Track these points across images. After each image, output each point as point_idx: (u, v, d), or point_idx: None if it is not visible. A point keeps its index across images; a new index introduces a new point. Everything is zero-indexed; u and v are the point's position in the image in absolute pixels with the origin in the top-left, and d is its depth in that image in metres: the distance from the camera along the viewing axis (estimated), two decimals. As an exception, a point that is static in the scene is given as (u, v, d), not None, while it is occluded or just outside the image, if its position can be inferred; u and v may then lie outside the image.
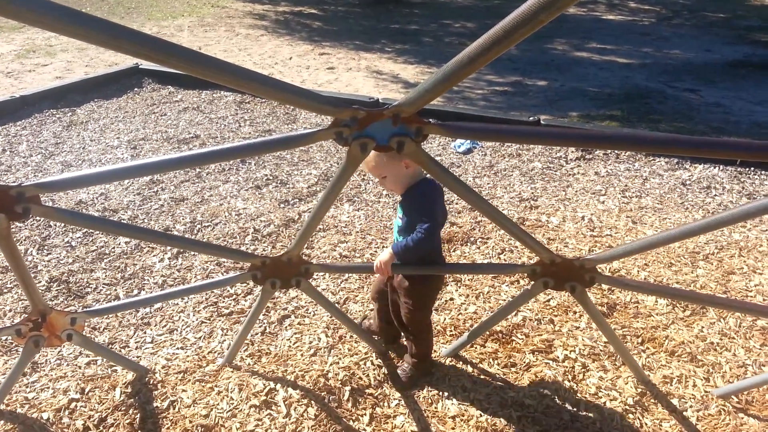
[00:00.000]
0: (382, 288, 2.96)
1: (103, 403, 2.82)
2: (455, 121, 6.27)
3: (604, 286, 3.64)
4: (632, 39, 11.77)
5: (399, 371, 2.99)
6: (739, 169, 5.37)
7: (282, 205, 4.75)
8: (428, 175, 2.51)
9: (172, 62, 1.46)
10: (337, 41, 11.42)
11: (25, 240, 4.18)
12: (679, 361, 3.10)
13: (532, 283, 2.57)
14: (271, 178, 5.21)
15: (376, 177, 2.58)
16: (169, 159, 2.04)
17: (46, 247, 4.13)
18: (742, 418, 2.75)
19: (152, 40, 1.46)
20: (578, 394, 2.87)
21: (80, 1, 15.13)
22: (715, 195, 4.97)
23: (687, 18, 14.00)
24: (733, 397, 2.85)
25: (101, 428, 2.69)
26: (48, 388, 2.93)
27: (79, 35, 1.42)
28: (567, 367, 3.04)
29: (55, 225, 4.38)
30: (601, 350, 3.15)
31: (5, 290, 3.69)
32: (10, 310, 3.51)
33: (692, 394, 2.88)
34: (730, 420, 2.73)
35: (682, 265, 3.93)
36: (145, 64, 8.24)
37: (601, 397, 2.85)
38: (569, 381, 2.95)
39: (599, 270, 2.47)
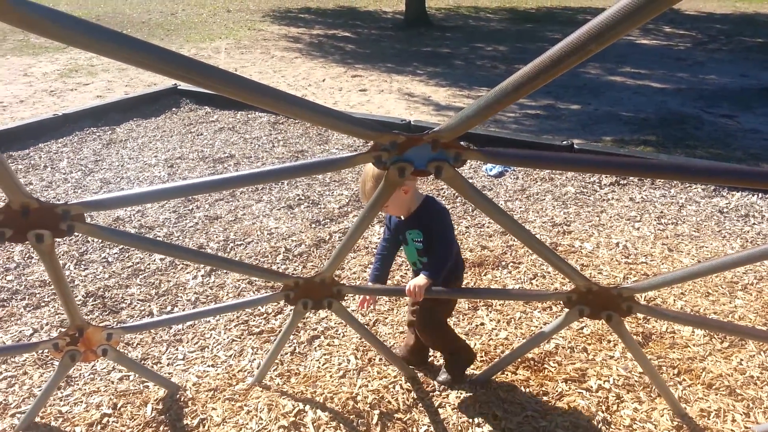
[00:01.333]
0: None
1: (135, 419, 2.85)
2: (486, 143, 6.27)
3: (639, 315, 3.57)
4: (667, 64, 11.67)
5: (440, 378, 3.05)
6: (779, 198, 5.25)
7: (313, 225, 4.79)
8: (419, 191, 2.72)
9: (230, 91, 1.50)
10: (370, 64, 11.55)
11: (63, 255, 4.28)
12: (717, 395, 3.01)
13: (567, 310, 2.54)
14: (303, 198, 5.26)
15: None
16: (213, 180, 2.08)
17: (83, 263, 4.22)
18: (785, 456, 2.65)
19: (205, 67, 1.49)
20: (612, 426, 2.80)
21: (122, 23, 15.63)
22: (754, 224, 4.85)
23: (723, 43, 13.83)
24: (775, 434, 2.75)
25: (132, 444, 2.71)
26: (81, 402, 2.97)
27: (129, 60, 1.47)
28: (601, 397, 2.97)
29: (93, 241, 4.48)
30: (635, 381, 3.08)
31: (42, 304, 3.77)
32: (46, 324, 3.58)
33: (731, 430, 2.79)
34: (772, 458, 2.64)
35: (720, 295, 3.84)
36: (183, 85, 8.44)
37: (635, 430, 2.78)
38: (603, 412, 2.88)
39: (636, 299, 2.43)
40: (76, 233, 1.98)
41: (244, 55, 12.23)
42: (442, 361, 3.20)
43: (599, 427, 2.79)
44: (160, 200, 4.88)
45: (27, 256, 4.29)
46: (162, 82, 9.19)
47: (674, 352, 3.31)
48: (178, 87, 8.43)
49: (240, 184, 2.02)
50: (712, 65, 11.55)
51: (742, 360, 3.25)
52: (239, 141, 6.74)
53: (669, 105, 8.78)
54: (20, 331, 3.50)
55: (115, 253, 4.34)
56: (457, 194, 5.29)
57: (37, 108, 8.30)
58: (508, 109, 8.49)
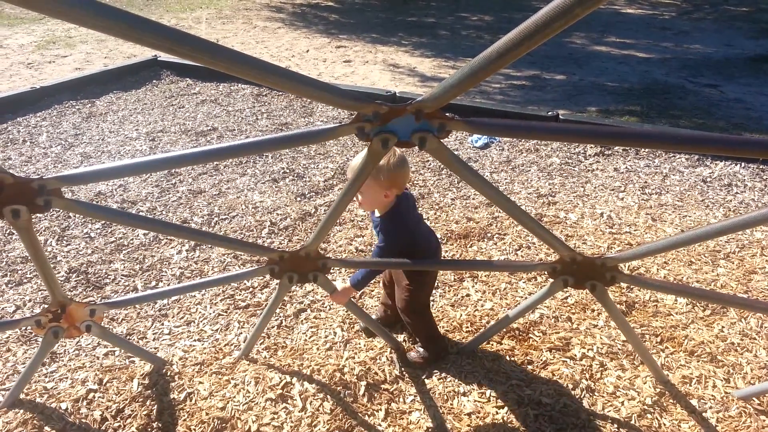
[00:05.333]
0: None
1: (121, 394, 2.84)
2: (472, 115, 6.23)
3: (623, 284, 3.60)
4: (652, 33, 11.62)
5: (412, 353, 3.06)
6: (761, 167, 5.29)
7: (298, 199, 4.75)
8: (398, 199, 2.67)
9: (196, 56, 1.45)
10: (354, 34, 11.38)
11: (44, 231, 4.22)
12: (698, 362, 3.06)
13: (551, 280, 2.55)
14: (287, 171, 5.21)
15: None
16: (194, 152, 2.03)
17: (65, 238, 4.17)
18: (764, 420, 2.71)
19: (193, 39, 1.44)
20: (596, 393, 2.85)
21: (99, -8, 15.19)
22: (737, 192, 4.89)
23: (708, 12, 13.79)
24: (754, 399, 2.81)
25: (119, 419, 2.71)
26: (66, 378, 2.96)
27: (105, 28, 1.41)
28: (585, 365, 3.01)
29: (75, 216, 4.42)
30: (619, 349, 3.12)
31: (25, 281, 3.73)
32: (29, 300, 3.54)
33: (712, 395, 2.85)
34: (751, 422, 2.69)
35: (703, 264, 3.88)
36: (164, 57, 8.27)
37: (619, 397, 2.83)
38: (587, 380, 2.92)
39: (620, 268, 2.44)
40: (57, 209, 1.94)
41: (225, 25, 11.99)
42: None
43: (583, 394, 2.84)
44: (140, 173, 4.82)
45: (8, 232, 4.23)
46: (142, 53, 9.01)
47: (657, 321, 3.35)
48: (159, 58, 8.26)
49: (222, 157, 1.97)
50: (696, 35, 11.52)
51: (723, 327, 3.31)
52: (222, 113, 6.65)
53: (653, 75, 8.77)
54: (2, 308, 3.46)
55: (98, 228, 4.28)
56: (443, 166, 5.26)
57: (14, 81, 8.10)
58: (493, 79, 8.44)
